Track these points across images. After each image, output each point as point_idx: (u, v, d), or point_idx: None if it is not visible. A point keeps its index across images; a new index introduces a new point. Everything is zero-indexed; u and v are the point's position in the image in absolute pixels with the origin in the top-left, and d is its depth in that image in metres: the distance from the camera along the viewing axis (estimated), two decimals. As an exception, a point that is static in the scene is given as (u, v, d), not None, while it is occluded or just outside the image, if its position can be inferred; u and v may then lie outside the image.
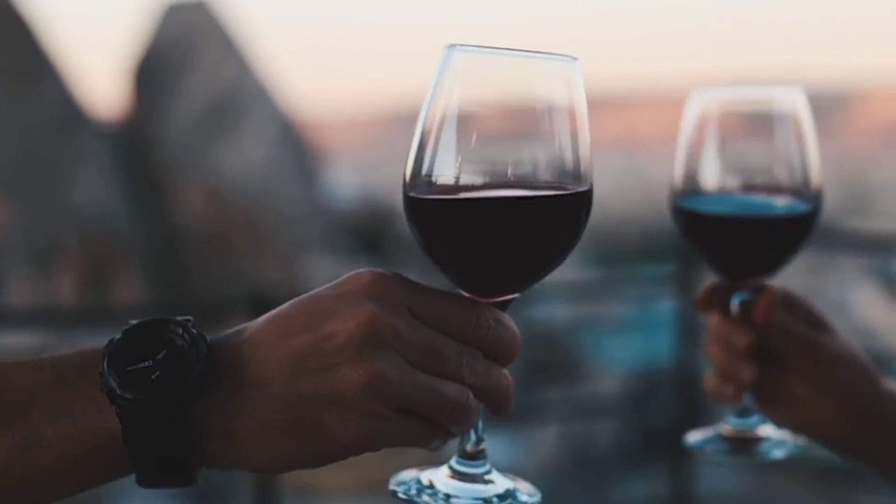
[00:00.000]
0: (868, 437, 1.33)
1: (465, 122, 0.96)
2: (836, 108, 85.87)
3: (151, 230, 16.53)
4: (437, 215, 0.98)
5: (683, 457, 5.30)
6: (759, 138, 1.25)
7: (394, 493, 1.03)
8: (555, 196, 0.96)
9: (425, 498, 1.01)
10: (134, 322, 0.96)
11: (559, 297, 11.86)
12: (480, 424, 1.03)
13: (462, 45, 0.96)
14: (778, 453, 1.30)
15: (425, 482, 1.03)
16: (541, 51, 0.97)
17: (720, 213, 1.26)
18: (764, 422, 1.33)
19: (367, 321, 0.92)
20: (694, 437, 1.33)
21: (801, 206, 1.26)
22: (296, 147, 17.81)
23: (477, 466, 1.03)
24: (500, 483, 1.03)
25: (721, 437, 1.32)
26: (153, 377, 0.93)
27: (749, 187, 1.26)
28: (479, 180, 0.95)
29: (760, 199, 1.27)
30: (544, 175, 0.96)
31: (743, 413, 1.33)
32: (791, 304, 1.34)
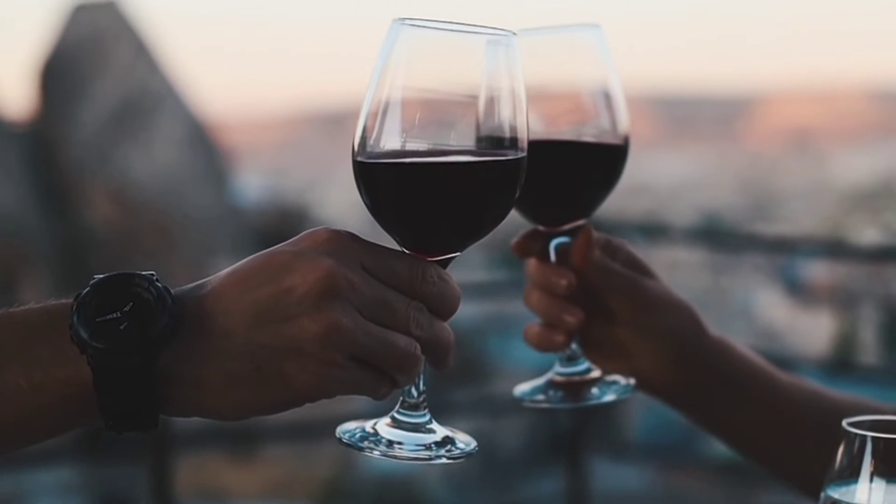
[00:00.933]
0: (692, 385, 1.36)
1: (410, 92, 1.04)
2: (740, 112, 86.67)
3: (59, 232, 16.42)
4: (382, 178, 1.06)
5: (585, 455, 5.40)
6: (562, 79, 1.28)
7: (339, 439, 1.10)
8: (491, 162, 1.05)
9: (369, 444, 1.08)
10: (100, 276, 1.02)
11: (466, 297, 11.88)
12: (422, 378, 1.10)
13: (408, 19, 1.04)
14: (609, 396, 1.30)
15: (369, 430, 1.10)
16: (483, 25, 1.06)
17: (541, 141, 1.23)
18: (592, 368, 1.32)
19: (324, 275, 0.99)
20: (522, 388, 1.32)
21: (609, 142, 1.27)
22: (205, 149, 17.76)
23: (418, 417, 1.11)
24: (440, 432, 1.10)
25: (551, 384, 1.32)
26: (121, 328, 0.99)
27: (555, 131, 1.27)
28: (422, 147, 1.04)
29: (568, 139, 1.28)
30: (483, 143, 1.05)
31: (570, 360, 1.32)
32: (611, 248, 1.35)
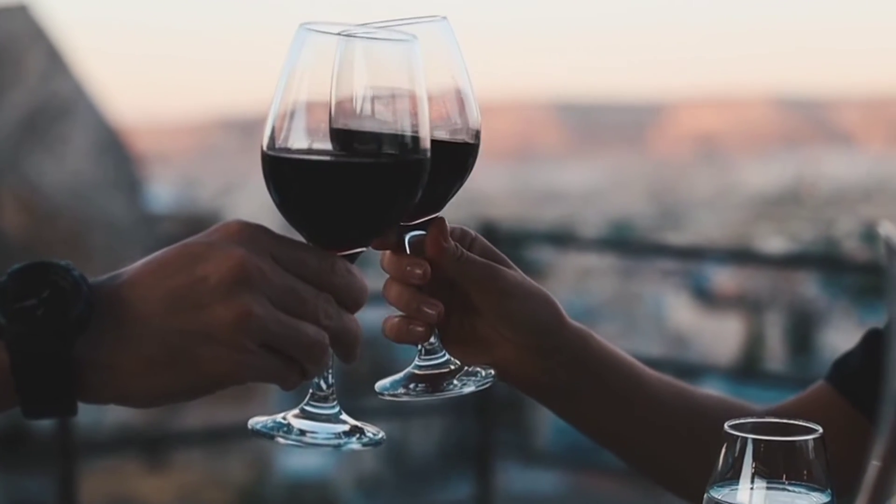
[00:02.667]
0: (553, 376, 1.35)
1: (316, 95, 1.10)
2: (648, 120, 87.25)
3: (-33, 239, 16.25)
4: (290, 175, 1.10)
5: (495, 460, 5.45)
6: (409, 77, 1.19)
7: (252, 429, 1.13)
8: (394, 161, 1.10)
9: (281, 433, 1.12)
10: (18, 266, 1.04)
11: (377, 302, 11.90)
12: (330, 371, 1.14)
13: (313, 24, 1.10)
14: (469, 387, 1.29)
15: (281, 421, 1.13)
16: (385, 29, 1.14)
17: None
18: (451, 360, 1.30)
19: (236, 263, 1.03)
20: (382, 383, 1.31)
21: (460, 138, 1.26)
22: (117, 155, 17.65)
23: (328, 408, 1.14)
24: (350, 423, 1.15)
25: (411, 377, 1.30)
26: (39, 313, 1.01)
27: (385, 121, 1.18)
28: (328, 146, 1.10)
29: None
30: (387, 142, 1.10)
31: (429, 353, 1.30)
32: (467, 239, 1.33)
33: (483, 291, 1.30)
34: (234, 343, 1.03)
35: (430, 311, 1.28)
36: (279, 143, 1.09)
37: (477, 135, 1.28)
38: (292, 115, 1.09)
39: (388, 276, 1.31)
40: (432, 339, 1.30)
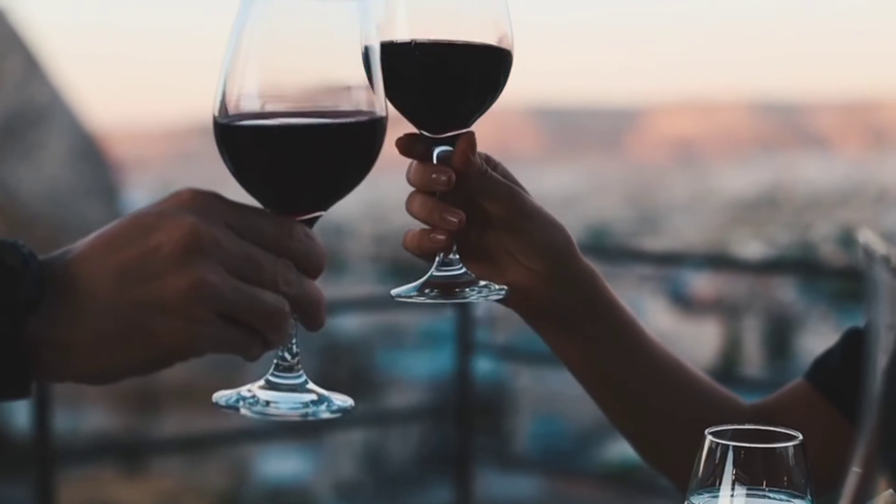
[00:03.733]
0: (558, 305, 1.38)
1: (267, 55, 1.07)
2: (625, 125, 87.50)
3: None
4: (243, 140, 1.08)
5: (473, 466, 5.46)
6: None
7: (216, 403, 1.10)
8: (350, 122, 1.08)
9: (246, 405, 1.09)
10: None
11: (356, 309, 11.95)
12: (295, 339, 1.11)
13: None
14: (481, 296, 1.32)
15: (245, 394, 1.10)
16: None
17: (411, 49, 1.26)
18: (468, 273, 1.33)
19: (189, 232, 1.00)
20: (397, 290, 1.33)
21: (494, 52, 1.28)
22: (94, 161, 17.63)
23: (293, 378, 1.11)
24: (316, 391, 1.12)
25: (427, 284, 1.32)
26: None
27: (442, 28, 1.28)
28: (282, 109, 1.07)
29: (452, 42, 1.28)
30: (343, 104, 1.08)
31: (447, 265, 1.32)
32: (491, 162, 1.35)
33: (503, 209, 1.34)
34: (189, 313, 1.00)
35: (452, 218, 1.30)
36: (231, 107, 1.07)
37: (508, 51, 1.29)
38: (244, 77, 1.07)
39: (411, 190, 1.34)
40: (454, 256, 1.32)
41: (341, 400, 1.12)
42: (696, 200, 69.03)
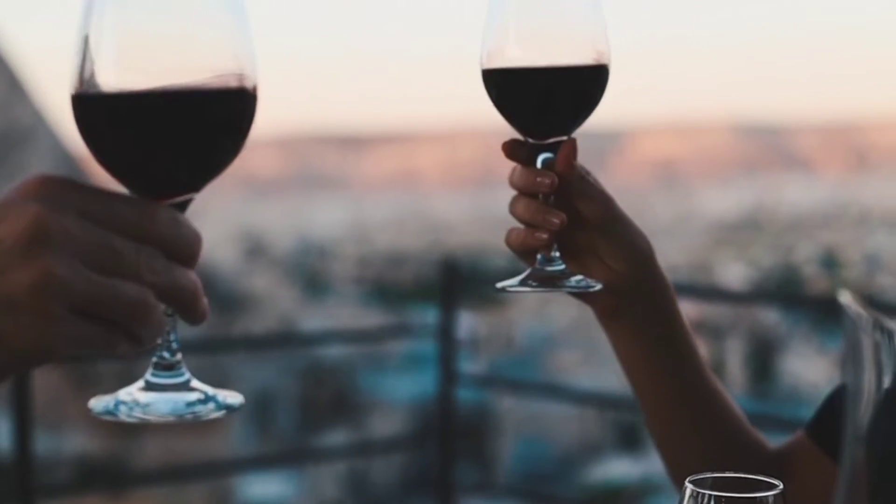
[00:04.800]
0: (635, 303, 1.47)
1: (124, 23, 0.98)
2: (608, 146, 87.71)
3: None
4: (99, 115, 0.99)
5: (455, 492, 5.46)
6: (554, 11, 1.41)
7: (92, 410, 1.02)
8: (216, 92, 0.99)
9: (125, 409, 1.01)
10: None
11: (344, 340, 11.89)
12: (173, 335, 1.03)
13: None
14: (581, 284, 1.42)
15: (124, 398, 1.02)
16: None
17: (520, 69, 1.38)
18: (567, 270, 1.43)
19: (33, 221, 0.91)
20: (503, 282, 1.43)
21: (594, 64, 1.40)
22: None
23: (175, 377, 1.03)
24: (202, 389, 1.03)
25: (530, 276, 1.42)
26: None
27: (547, 55, 1.39)
28: (142, 81, 0.97)
29: (558, 61, 1.39)
30: (209, 75, 0.98)
31: (550, 261, 1.42)
32: (586, 171, 1.44)
33: (597, 212, 1.42)
34: (38, 310, 0.90)
35: (555, 220, 1.38)
36: (86, 80, 0.98)
37: (605, 66, 1.41)
38: (98, 49, 0.98)
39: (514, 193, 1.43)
40: (556, 254, 1.42)
41: (229, 397, 1.03)
42: (679, 222, 69.11)
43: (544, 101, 1.41)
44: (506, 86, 1.39)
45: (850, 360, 0.85)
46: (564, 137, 1.42)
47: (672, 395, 1.53)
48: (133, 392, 1.01)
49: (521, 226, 1.43)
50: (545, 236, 1.39)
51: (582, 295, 1.46)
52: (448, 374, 5.33)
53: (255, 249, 61.34)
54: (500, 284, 1.43)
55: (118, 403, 1.00)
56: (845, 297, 0.88)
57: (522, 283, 1.42)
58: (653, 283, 1.47)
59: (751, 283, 54.65)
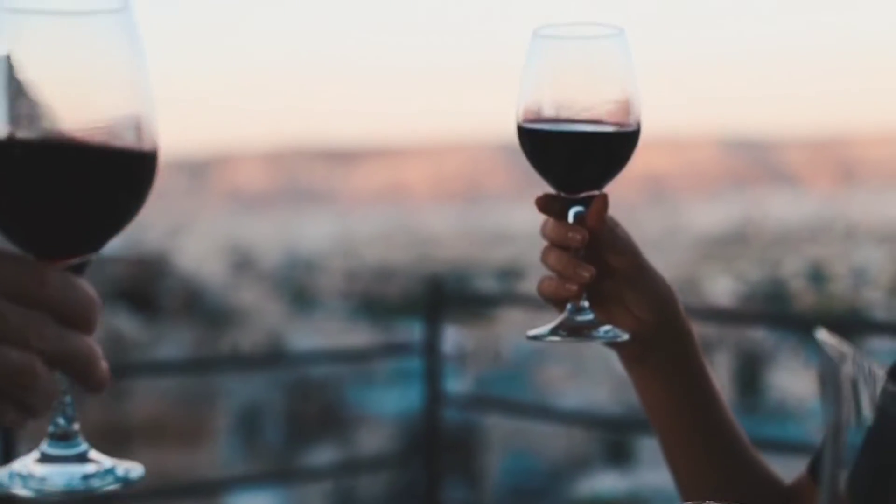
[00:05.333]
0: (659, 349, 1.52)
1: (35, 76, 0.92)
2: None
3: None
4: None
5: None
6: (589, 74, 1.46)
7: None
8: (113, 151, 0.92)
9: (20, 483, 0.95)
10: None
11: (331, 360, 11.89)
12: (69, 404, 0.98)
13: (8, 6, 0.92)
14: (608, 336, 1.47)
15: (20, 469, 0.96)
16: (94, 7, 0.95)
17: (557, 131, 1.44)
18: (595, 320, 1.48)
19: None
20: (533, 331, 1.47)
21: (624, 128, 1.45)
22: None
23: (70, 447, 0.97)
24: (99, 460, 0.98)
25: (560, 326, 1.47)
26: None
27: (580, 115, 1.45)
28: (32, 135, 0.90)
29: (590, 122, 1.45)
30: (107, 130, 0.92)
31: (579, 311, 1.47)
32: (615, 223, 1.49)
33: (625, 264, 1.47)
34: None
35: (585, 273, 1.43)
36: None
37: (637, 128, 1.45)
38: None
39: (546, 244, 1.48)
40: (585, 303, 1.46)
41: (128, 469, 0.97)
42: (667, 236, 69.21)
43: (577, 162, 1.46)
44: (540, 144, 1.44)
45: (829, 396, 0.87)
46: (596, 192, 1.47)
47: (692, 435, 1.57)
48: (28, 464, 0.95)
49: (552, 274, 1.47)
50: (574, 288, 1.44)
51: (609, 342, 1.50)
52: (433, 392, 5.32)
53: (243, 263, 61.26)
54: (530, 333, 1.47)
55: (13, 476, 0.94)
56: (822, 334, 0.90)
57: (553, 332, 1.46)
58: (676, 330, 1.52)
59: (738, 297, 54.75)
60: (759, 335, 38.53)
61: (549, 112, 1.43)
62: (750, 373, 39.42)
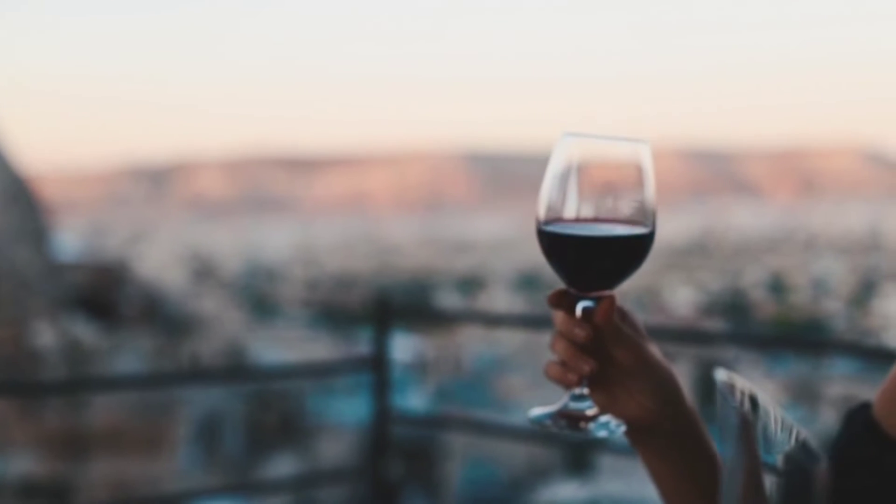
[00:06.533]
0: (663, 434, 1.63)
1: None
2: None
3: None
4: None
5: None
6: (609, 179, 1.57)
7: None
8: None
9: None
10: None
11: (295, 376, 11.88)
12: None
13: None
14: (602, 433, 1.57)
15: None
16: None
17: (570, 234, 1.55)
18: (593, 406, 1.59)
19: None
20: (536, 411, 1.59)
21: (639, 233, 1.56)
22: (25, 203, 17.48)
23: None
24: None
25: (559, 414, 1.57)
26: None
27: (599, 218, 1.55)
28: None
29: (607, 226, 1.55)
30: None
31: (579, 398, 1.58)
32: (623, 314, 1.62)
33: (628, 357, 1.58)
34: None
35: (585, 367, 1.56)
36: None
37: (651, 233, 1.58)
38: None
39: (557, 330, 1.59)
40: (585, 390, 1.58)
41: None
42: (628, 246, 69.00)
43: (593, 266, 1.58)
44: (558, 246, 1.55)
45: (726, 438, 0.91)
46: (607, 292, 1.59)
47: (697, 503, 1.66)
48: None
49: (558, 359, 1.59)
50: (574, 379, 1.57)
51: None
52: (382, 406, 5.31)
53: (204, 271, 61.02)
54: (532, 416, 1.59)
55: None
56: (721, 375, 0.94)
57: (553, 420, 1.58)
58: (679, 415, 1.63)
59: (699, 307, 54.90)
60: (720, 345, 38.68)
61: (568, 212, 1.54)
62: (710, 383, 39.49)
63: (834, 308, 53.07)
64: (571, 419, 1.57)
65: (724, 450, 0.95)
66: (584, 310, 1.57)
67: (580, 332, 1.56)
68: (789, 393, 38.85)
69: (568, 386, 1.58)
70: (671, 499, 1.69)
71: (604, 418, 1.58)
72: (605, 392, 1.59)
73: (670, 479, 1.67)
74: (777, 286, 58.70)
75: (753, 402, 0.98)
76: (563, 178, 1.55)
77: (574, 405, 1.58)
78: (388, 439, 5.37)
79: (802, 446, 0.95)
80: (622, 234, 1.55)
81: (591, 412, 1.58)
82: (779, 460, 0.94)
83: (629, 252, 1.57)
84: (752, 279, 60.71)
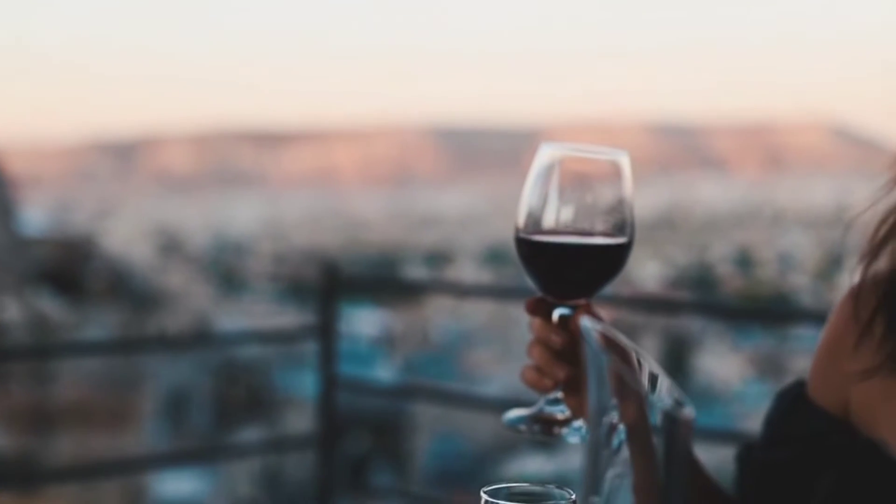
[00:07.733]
0: (642, 430, 1.69)
1: None
2: (524, 145, 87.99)
3: None
4: None
5: (371, 485, 5.48)
6: (588, 188, 1.58)
7: None
8: None
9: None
10: None
11: (256, 341, 11.86)
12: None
13: None
14: (573, 438, 1.59)
15: None
16: None
17: (552, 243, 1.57)
18: (566, 412, 1.62)
19: None
20: (511, 414, 1.62)
21: (617, 242, 1.58)
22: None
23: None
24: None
25: (533, 418, 1.61)
26: None
27: (577, 225, 1.58)
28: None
29: (585, 236, 1.58)
30: None
31: (553, 402, 1.61)
32: (598, 321, 1.66)
33: None
34: None
35: (559, 372, 1.60)
36: None
37: (629, 243, 1.59)
38: None
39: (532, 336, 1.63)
40: (559, 395, 1.61)
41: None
42: (595, 221, 69.19)
43: (569, 274, 1.61)
44: (536, 254, 1.58)
45: (592, 382, 0.95)
46: (583, 301, 1.62)
47: None
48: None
49: (534, 364, 1.63)
50: (549, 385, 1.61)
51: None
52: (328, 376, 5.36)
53: (171, 246, 60.90)
54: (507, 419, 1.63)
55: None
56: (586, 322, 0.98)
57: (527, 424, 1.61)
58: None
59: (666, 281, 55.09)
60: (687, 319, 38.82)
61: (547, 221, 1.56)
62: (677, 357, 39.73)
63: (800, 282, 53.31)
64: (545, 423, 1.60)
65: (590, 394, 1.00)
66: (561, 317, 1.61)
67: (556, 339, 1.59)
68: (755, 366, 39.04)
69: (543, 391, 1.61)
70: (647, 491, 1.71)
71: (577, 423, 1.60)
72: (579, 393, 1.60)
73: (645, 473, 1.69)
74: (744, 261, 58.91)
75: (629, 352, 1.03)
76: (543, 188, 1.56)
77: (548, 409, 1.61)
78: (335, 408, 5.41)
79: (676, 401, 0.99)
80: (600, 243, 1.57)
81: (564, 416, 1.61)
82: (658, 418, 0.99)
83: (607, 261, 1.59)
84: (719, 254, 60.93)
